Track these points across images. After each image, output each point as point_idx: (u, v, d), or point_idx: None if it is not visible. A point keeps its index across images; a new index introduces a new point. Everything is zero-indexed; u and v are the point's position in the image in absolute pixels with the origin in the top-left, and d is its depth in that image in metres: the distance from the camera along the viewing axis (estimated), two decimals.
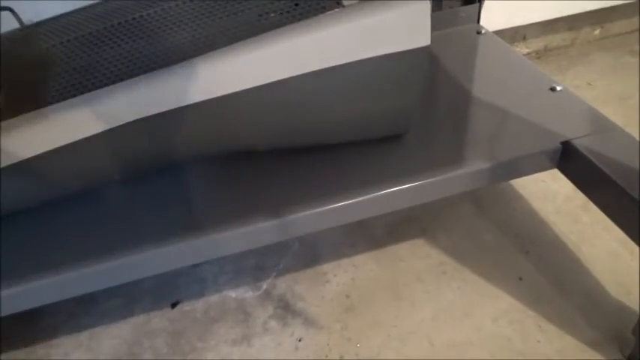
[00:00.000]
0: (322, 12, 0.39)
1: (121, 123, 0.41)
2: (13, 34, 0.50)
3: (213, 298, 0.62)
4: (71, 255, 0.44)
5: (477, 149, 0.49)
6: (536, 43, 0.90)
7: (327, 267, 0.63)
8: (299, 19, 0.40)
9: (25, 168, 0.41)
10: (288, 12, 0.41)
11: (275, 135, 0.45)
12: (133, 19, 0.45)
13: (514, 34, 0.88)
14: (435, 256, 0.62)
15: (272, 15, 0.41)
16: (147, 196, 0.49)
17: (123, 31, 0.45)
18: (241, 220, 0.44)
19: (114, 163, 0.44)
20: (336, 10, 0.39)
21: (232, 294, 0.62)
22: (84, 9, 0.51)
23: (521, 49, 0.89)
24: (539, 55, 0.91)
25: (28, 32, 0.49)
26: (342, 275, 0.62)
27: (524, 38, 0.89)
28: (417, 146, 0.49)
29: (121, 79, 0.41)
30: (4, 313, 0.43)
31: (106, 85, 0.41)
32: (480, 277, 0.59)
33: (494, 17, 0.77)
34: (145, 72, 0.41)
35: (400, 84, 0.42)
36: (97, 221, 0.47)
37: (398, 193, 0.46)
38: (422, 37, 0.39)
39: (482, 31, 0.71)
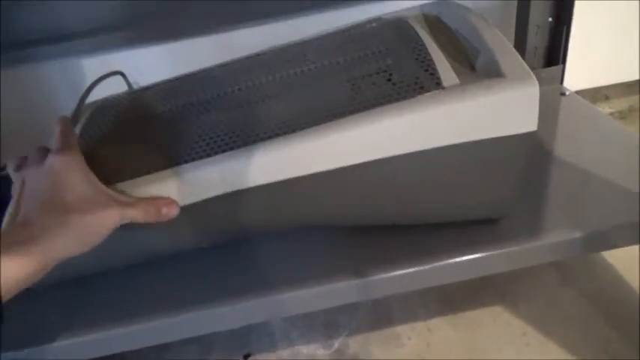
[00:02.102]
0: (421, 93, 0.40)
1: (215, 194, 0.42)
2: (123, 97, 0.54)
3: (285, 353, 0.62)
4: (155, 306, 0.46)
5: (565, 218, 0.47)
6: (620, 104, 0.87)
7: (400, 329, 0.62)
8: (396, 100, 0.40)
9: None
10: (384, 92, 0.41)
11: (365, 212, 0.46)
12: (232, 91, 0.48)
13: (595, 94, 0.86)
14: (517, 325, 0.60)
15: (368, 95, 0.42)
16: (229, 257, 0.50)
17: (221, 102, 0.47)
18: (321, 280, 0.46)
19: (204, 228, 0.46)
20: (436, 91, 0.40)
21: (304, 350, 0.62)
22: (186, 77, 0.54)
23: (604, 109, 0.87)
24: (622, 115, 0.88)
25: (136, 96, 0.53)
26: (417, 339, 0.61)
27: (607, 98, 0.87)
28: None
29: (216, 152, 0.42)
30: (91, 356, 0.46)
31: (203, 157, 0.42)
32: (564, 350, 0.56)
33: (575, 77, 0.76)
34: (240, 145, 0.42)
35: (501, 168, 0.42)
36: (184, 277, 0.50)
37: (481, 260, 0.46)
38: (528, 123, 0.38)
39: (567, 93, 0.70)
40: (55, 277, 0.45)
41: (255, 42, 0.70)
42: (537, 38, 0.71)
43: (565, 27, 0.69)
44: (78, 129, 0.47)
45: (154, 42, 0.72)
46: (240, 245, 0.51)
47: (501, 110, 0.38)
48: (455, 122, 0.39)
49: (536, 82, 0.38)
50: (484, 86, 0.38)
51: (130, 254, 0.49)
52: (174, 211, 0.42)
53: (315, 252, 0.49)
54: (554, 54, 0.72)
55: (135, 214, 0.39)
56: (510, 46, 0.42)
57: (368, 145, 0.40)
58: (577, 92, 0.72)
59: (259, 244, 0.51)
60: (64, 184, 0.37)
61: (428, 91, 0.40)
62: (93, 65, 0.72)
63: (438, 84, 0.40)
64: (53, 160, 0.37)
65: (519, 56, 0.41)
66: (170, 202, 0.41)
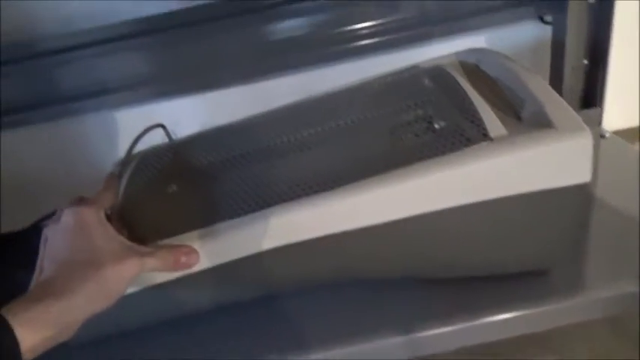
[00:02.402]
0: (468, 145, 0.39)
1: (257, 251, 0.42)
2: (165, 149, 0.54)
3: None
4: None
5: (614, 270, 0.46)
6: None
7: None
8: (442, 152, 0.39)
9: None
10: (428, 144, 0.41)
11: (411, 266, 0.45)
12: (271, 145, 0.48)
13: (631, 134, 0.84)
14: None
15: (411, 147, 0.41)
16: (268, 311, 0.49)
17: (260, 157, 0.47)
18: (365, 337, 0.44)
19: (250, 284, 0.46)
20: (484, 143, 0.39)
21: None
22: (225, 130, 0.55)
23: None
24: None
25: (178, 150, 0.53)
26: None
27: None
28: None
29: (254, 210, 0.42)
30: None
31: (241, 214, 0.42)
32: None
33: (611, 117, 0.75)
34: (283, 201, 0.41)
35: (554, 219, 0.40)
36: (217, 334, 0.49)
37: (529, 316, 0.44)
38: (582, 174, 0.37)
39: (606, 135, 0.68)
40: (91, 335, 0.45)
41: (290, 90, 0.71)
42: (573, 80, 0.70)
43: (601, 68, 0.68)
44: (124, 180, 0.47)
45: (189, 93, 0.73)
46: (281, 299, 0.50)
47: (554, 162, 0.37)
48: (505, 175, 0.38)
49: (589, 132, 0.37)
50: (535, 138, 0.37)
51: (167, 310, 0.48)
52: (194, 260, 0.41)
53: (359, 307, 0.48)
54: (591, 95, 0.72)
55: (154, 264, 0.38)
56: (557, 95, 0.42)
57: (416, 198, 0.40)
58: (614, 132, 0.70)
59: (302, 298, 0.50)
60: (80, 238, 0.36)
61: (475, 143, 0.39)
62: (129, 117, 0.73)
63: (485, 135, 0.39)
64: (67, 214, 0.38)
65: (568, 105, 0.40)
66: (189, 250, 0.41)
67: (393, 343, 0.44)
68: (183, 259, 0.40)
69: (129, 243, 0.39)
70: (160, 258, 0.39)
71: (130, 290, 0.41)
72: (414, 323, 0.44)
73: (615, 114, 0.77)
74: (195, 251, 0.41)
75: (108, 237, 0.37)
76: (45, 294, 0.33)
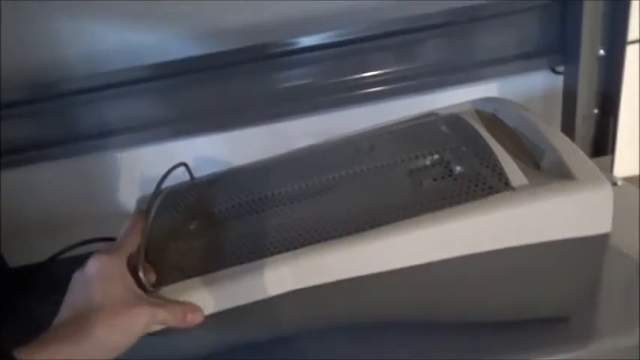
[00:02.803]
0: (491, 193, 0.40)
1: (283, 292, 0.42)
2: (187, 187, 0.56)
3: None
4: None
5: (631, 319, 0.46)
6: None
7: None
8: (464, 200, 0.40)
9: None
10: (449, 192, 0.42)
11: (432, 310, 0.46)
12: (293, 189, 0.49)
13: None
14: None
15: (432, 195, 0.42)
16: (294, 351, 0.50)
17: (279, 201, 0.48)
18: None
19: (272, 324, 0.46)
20: (506, 192, 0.40)
21: None
22: (247, 171, 0.56)
23: None
24: None
25: (200, 190, 0.54)
26: None
27: None
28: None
29: (276, 252, 0.43)
30: None
31: (261, 257, 0.43)
32: None
33: (620, 165, 0.76)
34: (302, 245, 0.42)
35: (574, 267, 0.41)
36: None
37: None
38: (602, 224, 0.38)
39: (618, 183, 0.69)
40: None
41: (307, 131, 0.74)
42: (584, 129, 0.72)
43: (612, 117, 0.70)
44: (151, 215, 0.48)
45: (207, 132, 0.75)
46: (292, 341, 0.50)
47: (576, 212, 0.38)
48: (528, 224, 0.39)
49: (610, 184, 0.38)
50: (558, 189, 0.38)
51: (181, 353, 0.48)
52: (197, 319, 0.42)
53: (375, 350, 0.48)
54: (602, 143, 0.73)
55: (164, 316, 0.39)
56: (575, 146, 0.43)
57: (439, 245, 0.40)
58: (625, 178, 0.71)
59: (313, 340, 0.50)
60: (98, 286, 0.38)
61: (498, 191, 0.40)
62: (149, 155, 0.75)
63: (506, 184, 0.40)
64: (91, 262, 0.39)
65: (586, 156, 0.41)
66: (194, 308, 0.42)
67: None
68: (189, 315, 0.41)
69: (142, 294, 0.40)
70: (170, 312, 0.40)
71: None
72: None
73: (626, 161, 0.79)
74: (199, 310, 0.42)
75: (125, 287, 0.39)
76: (56, 338, 0.34)
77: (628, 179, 0.73)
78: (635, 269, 0.52)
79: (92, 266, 0.39)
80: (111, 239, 0.53)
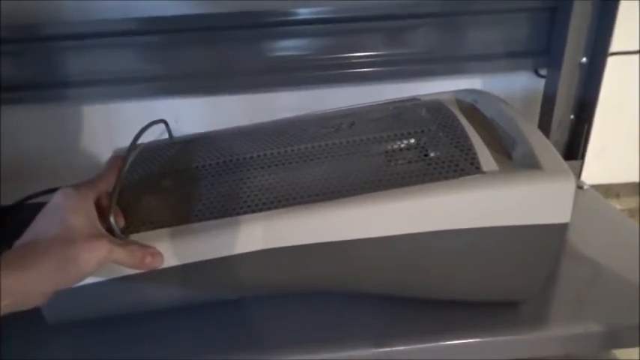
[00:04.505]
0: (461, 175, 0.42)
1: (251, 250, 0.43)
2: (165, 144, 0.56)
3: None
4: None
5: (574, 311, 0.48)
6: (630, 202, 0.90)
7: None
8: (436, 179, 0.42)
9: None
10: (421, 171, 0.43)
11: (388, 283, 0.47)
12: (271, 154, 0.50)
13: (607, 190, 0.89)
14: None
15: (405, 172, 0.44)
16: (243, 314, 0.51)
17: (259, 163, 0.49)
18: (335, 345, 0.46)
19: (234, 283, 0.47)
20: (477, 175, 0.41)
21: None
22: (225, 134, 0.57)
23: (615, 205, 0.89)
24: (632, 214, 0.91)
25: (177, 147, 0.54)
26: None
27: (618, 196, 0.89)
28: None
29: (252, 211, 0.44)
30: None
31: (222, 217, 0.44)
32: None
33: (589, 172, 0.79)
34: (274, 207, 0.43)
35: (530, 254, 0.43)
36: (191, 329, 0.50)
37: (495, 344, 0.46)
38: (563, 214, 0.40)
39: (584, 187, 0.72)
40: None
41: (290, 105, 0.74)
42: (559, 132, 0.74)
43: (586, 125, 0.72)
44: (125, 167, 0.49)
45: (191, 94, 0.75)
46: (251, 303, 0.51)
47: (539, 200, 0.40)
48: (492, 207, 0.41)
49: (573, 176, 0.40)
50: (524, 175, 0.40)
51: (133, 303, 0.49)
52: (157, 263, 0.42)
53: (328, 317, 0.50)
54: (573, 149, 0.75)
55: (121, 255, 0.39)
56: (547, 141, 0.44)
57: (404, 219, 0.42)
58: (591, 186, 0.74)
59: (271, 304, 0.51)
60: (59, 216, 0.38)
61: (468, 174, 0.41)
62: (130, 111, 0.75)
63: (477, 168, 0.42)
64: (58, 193, 0.39)
65: (556, 151, 0.43)
66: (155, 252, 0.42)
67: (356, 355, 0.46)
68: (148, 258, 0.41)
69: (103, 230, 0.40)
70: (129, 251, 0.40)
71: (99, 279, 0.43)
72: (381, 337, 0.46)
73: (594, 169, 0.81)
74: (160, 254, 0.42)
75: (87, 220, 0.39)
76: (6, 263, 0.34)
77: (594, 187, 0.77)
78: (589, 268, 0.54)
79: (58, 197, 0.39)
80: None
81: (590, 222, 0.63)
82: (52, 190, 0.63)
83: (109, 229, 0.42)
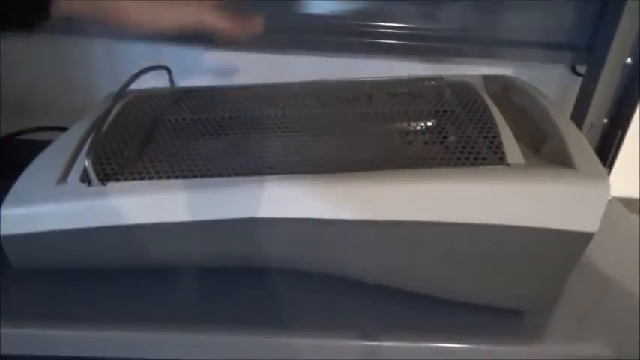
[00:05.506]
0: (481, 164, 0.37)
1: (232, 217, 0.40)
2: (162, 93, 0.52)
3: None
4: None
5: (584, 329, 0.44)
6: None
7: None
8: (454, 165, 0.37)
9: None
10: (440, 158, 0.39)
11: (390, 272, 0.43)
12: (275, 117, 0.46)
13: (628, 205, 0.83)
14: None
15: (423, 153, 0.39)
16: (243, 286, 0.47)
17: (251, 125, 0.45)
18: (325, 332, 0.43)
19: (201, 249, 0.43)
20: (499, 166, 0.37)
21: None
22: (230, 89, 0.52)
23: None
24: None
25: (173, 97, 0.50)
26: None
27: None
28: None
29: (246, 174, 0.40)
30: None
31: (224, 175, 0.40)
32: None
33: (615, 183, 0.74)
34: (264, 174, 0.40)
35: (547, 262, 0.39)
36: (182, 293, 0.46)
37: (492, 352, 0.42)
38: (590, 223, 0.35)
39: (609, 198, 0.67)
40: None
41: (306, 71, 0.69)
42: (589, 136, 0.69)
43: (620, 131, 0.67)
44: (113, 113, 0.45)
45: (202, 45, 0.70)
46: (247, 282, 0.47)
47: (567, 203, 0.36)
48: (513, 204, 0.36)
49: (609, 183, 0.35)
50: (554, 173, 0.36)
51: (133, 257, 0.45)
52: (258, 27, 0.46)
53: (325, 303, 0.46)
54: (603, 155, 0.70)
55: (221, 21, 0.43)
56: (583, 138, 0.40)
57: (411, 204, 0.37)
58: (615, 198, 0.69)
59: (268, 279, 0.47)
60: None
61: (490, 164, 0.37)
62: (137, 53, 0.70)
63: (501, 159, 0.37)
64: None
65: (592, 150, 0.38)
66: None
67: (347, 344, 0.43)
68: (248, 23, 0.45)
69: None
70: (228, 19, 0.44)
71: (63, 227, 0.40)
72: (375, 331, 0.43)
73: (619, 181, 0.76)
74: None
75: None
76: None
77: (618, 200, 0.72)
78: (601, 284, 0.50)
79: None
80: (65, 129, 0.49)
81: (610, 235, 0.59)
82: (43, 129, 0.61)
83: (86, 179, 0.38)
